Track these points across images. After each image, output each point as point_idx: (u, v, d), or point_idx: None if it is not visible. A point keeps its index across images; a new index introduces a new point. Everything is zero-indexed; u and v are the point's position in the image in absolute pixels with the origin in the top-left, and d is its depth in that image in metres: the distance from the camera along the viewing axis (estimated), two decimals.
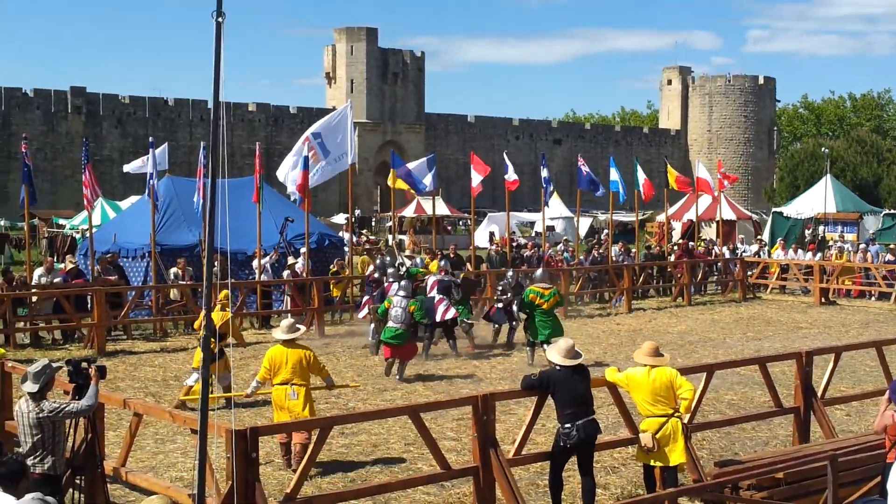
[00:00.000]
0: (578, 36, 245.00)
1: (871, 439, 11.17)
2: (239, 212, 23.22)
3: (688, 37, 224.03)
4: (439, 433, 12.74)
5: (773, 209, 49.10)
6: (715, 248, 36.06)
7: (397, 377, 17.75)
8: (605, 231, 43.49)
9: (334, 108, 73.01)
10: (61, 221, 51.37)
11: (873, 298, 30.81)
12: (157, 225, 24.35)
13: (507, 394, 11.47)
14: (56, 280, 23.26)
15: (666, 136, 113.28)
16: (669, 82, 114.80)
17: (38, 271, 23.70)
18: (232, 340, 15.88)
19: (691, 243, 35.12)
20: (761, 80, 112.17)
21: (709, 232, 43.45)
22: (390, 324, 17.99)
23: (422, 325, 19.12)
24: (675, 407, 10.21)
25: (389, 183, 27.87)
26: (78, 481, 9.64)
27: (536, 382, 10.33)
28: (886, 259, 32.25)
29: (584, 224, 57.42)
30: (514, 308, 20.86)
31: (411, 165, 29.08)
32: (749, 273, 32.46)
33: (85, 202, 24.40)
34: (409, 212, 56.42)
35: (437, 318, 19.67)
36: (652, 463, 10.34)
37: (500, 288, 21.85)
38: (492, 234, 46.53)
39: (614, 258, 31.25)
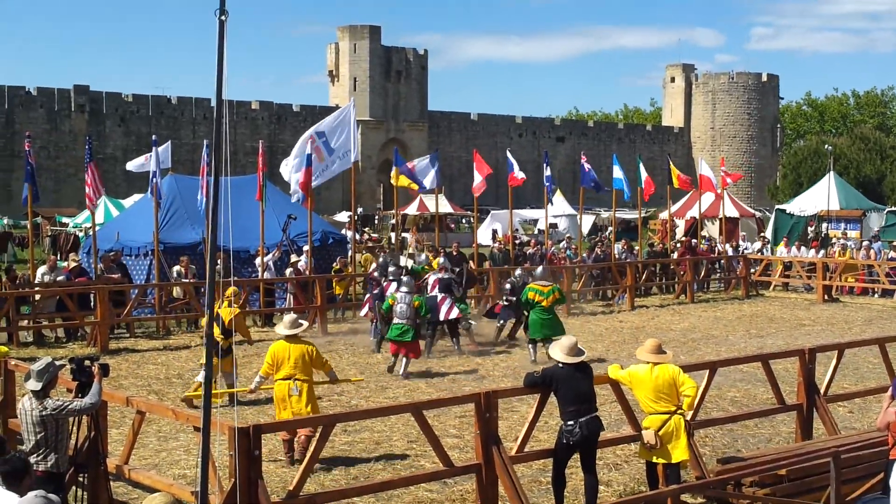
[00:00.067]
0: (581, 33, 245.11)
1: (874, 436, 11.17)
2: (242, 210, 23.24)
3: (691, 34, 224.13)
4: (442, 430, 12.75)
5: (777, 206, 49.08)
6: (718, 245, 36.03)
7: (401, 374, 17.76)
8: (610, 229, 43.47)
9: (337, 106, 73.12)
10: (64, 220, 51.49)
11: (876, 295, 30.78)
12: (160, 223, 24.36)
13: (509, 391, 11.47)
14: (59, 278, 23.28)
15: (669, 133, 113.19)
16: (673, 80, 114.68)
17: (42, 269, 23.72)
18: (238, 337, 15.91)
19: (694, 241, 35.10)
20: (765, 78, 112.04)
21: (712, 229, 43.42)
22: (396, 321, 18.03)
23: (424, 324, 19.14)
24: (678, 404, 10.21)
25: (392, 181, 27.87)
26: (81, 479, 9.65)
27: (539, 380, 10.33)
28: (890, 256, 32.21)
29: (587, 221, 57.47)
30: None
31: (414, 163, 29.06)
32: (752, 270, 32.42)
33: (88, 200, 24.42)
34: (412, 209, 56.44)
35: (441, 317, 19.73)
36: (655, 460, 10.34)
37: (507, 286, 21.81)
38: (495, 232, 46.55)
39: (617, 256, 31.24)
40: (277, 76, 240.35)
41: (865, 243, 34.54)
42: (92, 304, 22.17)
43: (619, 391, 11.03)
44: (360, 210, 60.19)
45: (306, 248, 25.55)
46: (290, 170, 25.08)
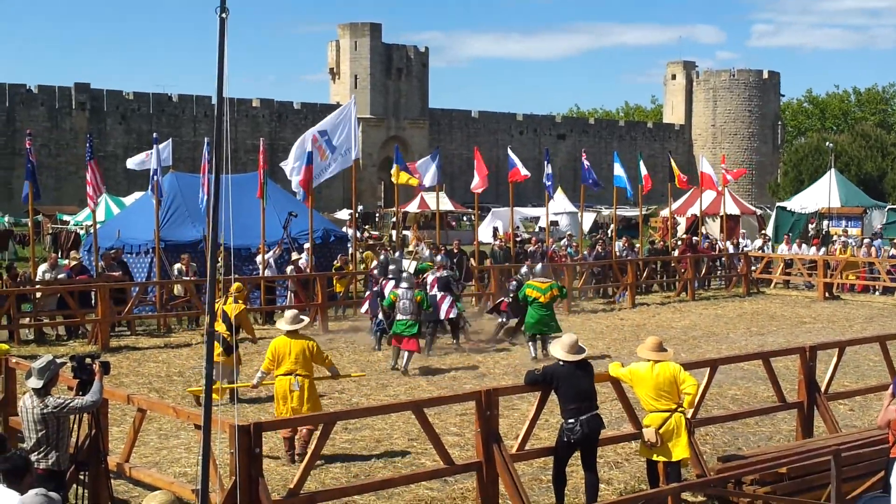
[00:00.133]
0: (582, 31, 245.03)
1: (875, 434, 11.16)
2: (242, 208, 23.24)
3: (692, 31, 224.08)
4: (442, 428, 12.74)
5: (777, 204, 49.10)
6: (718, 242, 36.02)
7: (402, 369, 17.84)
8: (611, 227, 43.45)
9: (338, 104, 73.05)
10: (65, 217, 51.44)
11: (877, 293, 30.77)
12: (160, 221, 24.36)
13: (510, 389, 11.47)
14: (60, 276, 23.29)
15: (670, 130, 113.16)
16: (673, 77, 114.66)
17: (42, 267, 23.73)
18: (243, 334, 15.93)
19: (695, 238, 35.09)
20: (765, 75, 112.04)
21: (713, 227, 43.41)
22: (399, 316, 18.14)
23: (425, 321, 19.17)
24: (679, 402, 10.21)
25: (393, 179, 27.87)
26: (82, 477, 9.65)
27: (540, 378, 10.34)
28: (891, 254, 32.20)
29: (588, 219, 57.46)
30: None
31: (415, 164, 29.10)
32: (753, 268, 32.42)
33: (89, 199, 24.42)
34: (412, 207, 56.42)
35: (441, 316, 19.79)
36: (655, 458, 10.34)
37: (513, 284, 21.80)
38: (495, 230, 46.54)
39: (618, 253, 31.22)
40: (278, 74, 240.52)
41: (866, 241, 34.53)
42: (93, 301, 22.17)
43: (620, 389, 11.03)
44: (360, 208, 60.14)
45: (307, 245, 25.55)
46: (292, 171, 25.08)
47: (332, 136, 25.08)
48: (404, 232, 42.87)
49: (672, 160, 37.04)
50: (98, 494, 9.68)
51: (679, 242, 35.52)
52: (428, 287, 20.23)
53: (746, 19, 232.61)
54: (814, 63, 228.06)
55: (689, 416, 10.47)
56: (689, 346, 20.95)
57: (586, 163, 31.55)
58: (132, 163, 27.23)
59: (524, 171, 29.81)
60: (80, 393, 9.24)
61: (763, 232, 41.28)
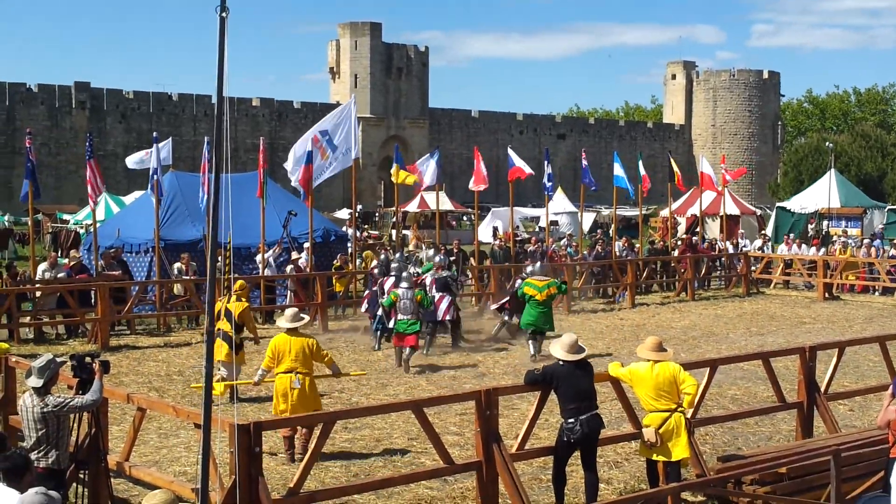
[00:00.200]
0: (582, 30, 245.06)
1: (875, 434, 11.16)
2: (242, 207, 23.24)
3: (692, 31, 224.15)
4: (442, 428, 12.74)
5: (777, 204, 49.11)
6: (718, 242, 36.02)
7: (403, 364, 18.04)
8: (612, 226, 43.44)
9: (338, 103, 72.99)
10: (65, 216, 51.46)
11: (877, 293, 30.76)
12: (160, 220, 24.36)
13: (510, 389, 11.46)
14: (60, 275, 23.28)
15: (670, 130, 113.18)
16: (674, 77, 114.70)
17: (42, 266, 23.72)
18: (246, 332, 15.93)
19: (695, 238, 35.09)
20: (765, 75, 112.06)
21: (713, 227, 43.42)
22: (401, 316, 18.25)
23: (424, 321, 19.20)
24: (679, 402, 10.21)
25: (393, 178, 27.86)
26: (82, 476, 9.66)
27: (539, 377, 10.34)
28: (890, 254, 32.20)
29: (588, 219, 57.45)
30: None
31: (416, 165, 29.11)
32: (753, 268, 32.42)
33: (90, 198, 24.41)
34: (412, 207, 56.40)
35: (439, 317, 19.82)
36: (655, 458, 10.34)
37: (519, 282, 21.81)
38: (495, 229, 46.55)
39: (618, 253, 31.22)
40: (278, 73, 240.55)
41: (866, 241, 34.53)
42: (93, 300, 22.16)
43: (620, 389, 11.03)
44: (360, 207, 60.14)
45: (307, 244, 25.55)
46: (293, 170, 25.08)
47: (333, 136, 25.08)
48: (404, 231, 42.87)
49: (672, 160, 37.01)
50: (98, 493, 9.69)
51: (679, 242, 35.50)
52: (427, 288, 20.25)
53: (746, 19, 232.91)
54: (814, 63, 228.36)
55: (688, 415, 10.47)
56: (689, 346, 20.95)
57: (585, 162, 31.55)
58: (131, 161, 27.23)
59: (527, 169, 29.80)
60: (80, 392, 9.24)
61: (763, 232, 41.28)
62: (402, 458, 12.31)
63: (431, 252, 23.92)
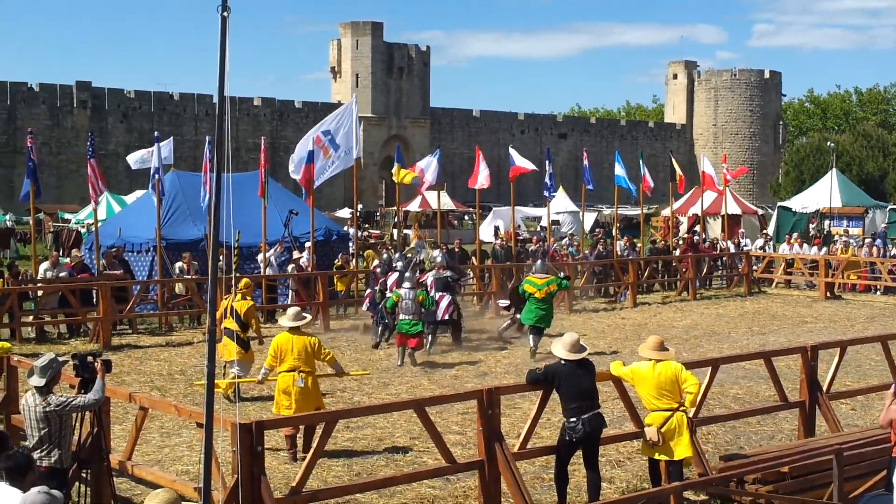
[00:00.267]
0: (584, 30, 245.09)
1: (877, 433, 11.16)
2: (244, 206, 23.23)
3: (693, 31, 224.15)
4: (444, 427, 12.74)
5: (779, 203, 49.09)
6: (720, 242, 36.01)
7: (408, 356, 18.23)
8: (613, 226, 43.43)
9: (339, 103, 72.95)
10: (67, 216, 51.48)
11: (879, 293, 30.74)
12: (162, 219, 24.37)
13: (512, 388, 11.46)
14: (61, 274, 23.28)
15: (671, 130, 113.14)
16: (675, 76, 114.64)
17: (44, 265, 23.72)
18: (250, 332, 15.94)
19: (696, 237, 35.08)
20: (767, 75, 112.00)
21: (714, 226, 43.42)
22: (402, 316, 18.40)
23: (425, 321, 19.23)
24: (681, 401, 10.21)
25: (394, 177, 27.86)
26: (84, 475, 9.66)
27: (541, 377, 10.34)
28: (892, 254, 32.18)
29: (589, 219, 57.43)
30: None
31: (419, 164, 29.11)
32: (754, 267, 32.41)
33: (91, 197, 24.41)
34: (414, 206, 56.38)
35: (439, 317, 19.85)
36: (657, 457, 10.33)
37: None
38: (497, 229, 46.53)
39: (619, 253, 31.21)
40: (280, 73, 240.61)
41: (868, 240, 34.51)
42: (94, 300, 22.18)
43: (622, 388, 11.03)
44: (361, 206, 60.12)
45: (308, 244, 25.55)
46: (295, 170, 25.08)
47: (336, 136, 25.10)
48: (405, 231, 42.86)
49: (673, 159, 36.99)
50: (100, 492, 9.69)
51: (680, 242, 35.50)
52: (427, 287, 20.28)
53: (747, 19, 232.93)
54: (815, 63, 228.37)
55: (690, 415, 10.47)
56: (691, 346, 20.95)
57: (587, 163, 31.56)
58: (132, 159, 27.23)
59: (530, 165, 29.76)
60: (83, 391, 9.25)
61: (764, 231, 41.26)
62: (404, 457, 12.31)
63: (436, 252, 23.87)
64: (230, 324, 15.02)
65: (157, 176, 23.86)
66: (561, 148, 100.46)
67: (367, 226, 58.44)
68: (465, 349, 20.20)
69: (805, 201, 43.73)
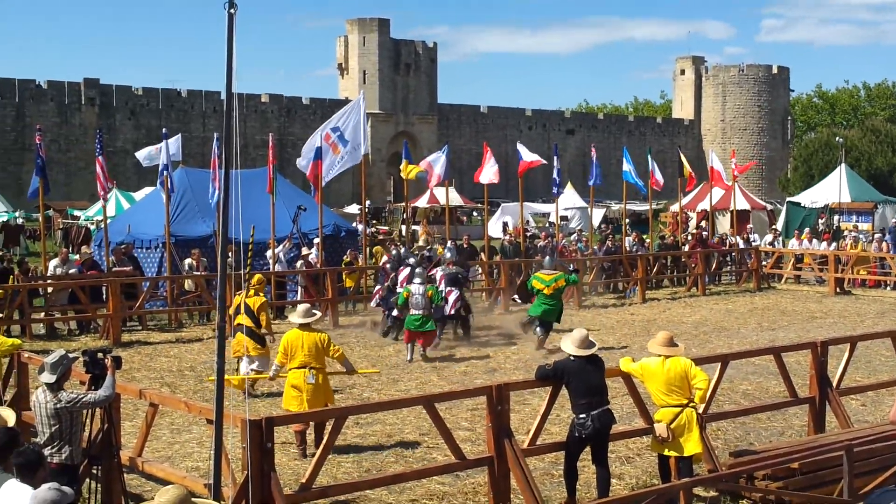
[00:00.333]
0: (591, 25, 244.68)
1: (888, 429, 11.15)
2: (252, 202, 23.24)
3: (701, 26, 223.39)
4: (454, 423, 12.75)
5: (788, 199, 49.00)
6: (729, 237, 35.95)
7: (420, 356, 18.36)
8: (622, 221, 43.37)
9: (347, 99, 73.02)
10: (76, 213, 51.60)
11: (889, 288, 30.67)
12: (171, 216, 24.40)
13: (521, 384, 11.45)
14: (71, 271, 23.35)
15: (679, 126, 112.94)
16: (683, 72, 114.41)
17: (54, 262, 23.78)
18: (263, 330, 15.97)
19: (705, 233, 35.04)
20: (775, 70, 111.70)
21: (723, 222, 43.35)
22: (412, 311, 18.53)
23: (434, 317, 19.28)
24: (690, 397, 10.19)
25: (402, 174, 27.87)
26: (94, 471, 9.68)
27: (550, 373, 10.33)
28: None
29: (598, 214, 57.40)
30: None
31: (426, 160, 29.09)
32: (763, 263, 32.35)
33: (100, 193, 24.47)
34: (422, 202, 56.34)
35: (447, 312, 19.91)
36: (667, 453, 10.32)
37: None
38: (505, 225, 46.50)
39: (628, 248, 31.19)
40: (287, 69, 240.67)
41: (878, 235, 34.44)
42: (104, 296, 22.23)
43: (631, 384, 11.02)
44: (369, 203, 60.15)
45: (317, 240, 25.57)
46: (304, 167, 25.09)
47: (345, 132, 25.13)
48: (414, 227, 42.87)
49: (682, 155, 36.92)
50: (111, 489, 9.71)
51: (689, 237, 35.45)
52: (436, 282, 20.34)
53: (756, 14, 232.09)
54: (823, 58, 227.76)
55: (700, 411, 10.45)
56: (700, 342, 20.92)
57: (595, 159, 31.51)
58: (141, 155, 27.26)
59: (538, 158, 29.73)
60: (93, 388, 9.26)
61: (774, 227, 41.19)
62: (413, 454, 12.32)
63: (448, 254, 23.85)
64: (243, 320, 15.09)
65: (165, 173, 23.91)
66: (569, 144, 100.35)
67: (375, 222, 58.44)
68: (475, 345, 20.22)
69: (814, 196, 43.67)
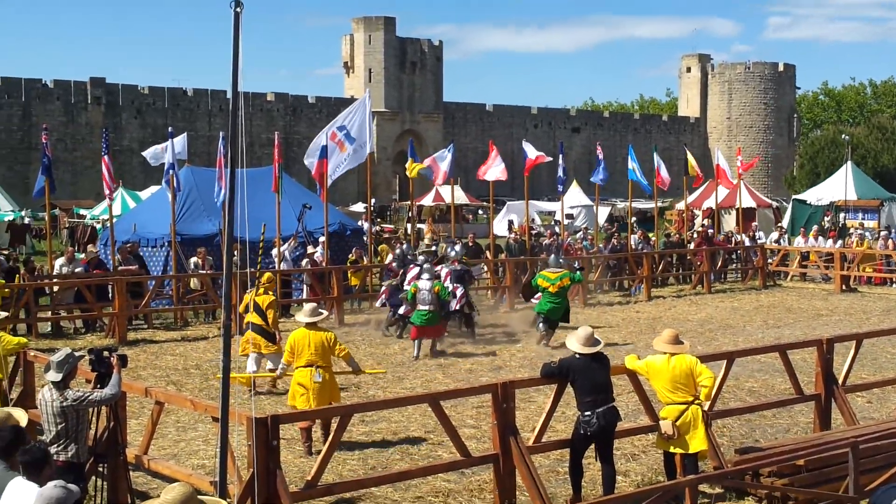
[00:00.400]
0: (597, 23, 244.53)
1: (893, 426, 11.15)
2: (258, 201, 23.26)
3: (707, 24, 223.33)
4: (459, 421, 12.75)
5: (794, 196, 48.91)
6: (734, 235, 35.92)
7: (430, 352, 18.52)
8: (628, 219, 43.35)
9: (352, 98, 73.04)
10: (82, 211, 51.64)
11: (894, 285, 30.64)
12: (176, 214, 24.43)
13: (526, 381, 11.47)
14: (77, 270, 23.38)
15: (685, 123, 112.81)
16: (688, 70, 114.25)
17: (60, 261, 23.83)
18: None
19: (710, 230, 35.01)
20: (781, 67, 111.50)
21: (728, 220, 43.31)
22: (419, 307, 18.73)
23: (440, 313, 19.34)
24: (696, 394, 10.20)
25: (408, 172, 27.87)
26: (101, 469, 9.70)
27: (556, 370, 10.34)
28: None
29: (604, 212, 57.33)
30: None
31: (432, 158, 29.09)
32: (769, 261, 32.32)
33: (106, 193, 24.50)
34: (427, 201, 56.31)
35: (452, 308, 19.94)
36: (672, 450, 10.33)
37: None
38: (510, 223, 46.44)
39: (634, 246, 31.16)
40: (293, 68, 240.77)
41: (883, 233, 34.39)
42: (110, 295, 22.26)
43: (637, 381, 11.02)
44: (374, 201, 60.14)
45: (322, 239, 25.59)
46: (310, 165, 25.11)
47: (351, 130, 25.16)
48: (419, 225, 42.86)
49: (689, 153, 36.88)
50: (117, 486, 9.73)
51: (695, 235, 35.43)
52: (442, 279, 20.38)
53: (762, 12, 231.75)
54: (830, 55, 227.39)
55: (705, 408, 10.45)
56: (706, 339, 20.91)
57: (601, 157, 31.51)
58: (148, 154, 27.30)
59: (541, 154, 29.70)
60: (99, 386, 9.28)
61: (779, 224, 41.13)
62: (419, 451, 12.33)
63: (459, 248, 23.83)
64: (254, 318, 15.14)
65: (171, 171, 23.93)
66: (574, 142, 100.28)
67: (380, 220, 58.45)
68: (480, 343, 20.23)
69: (820, 194, 43.56)
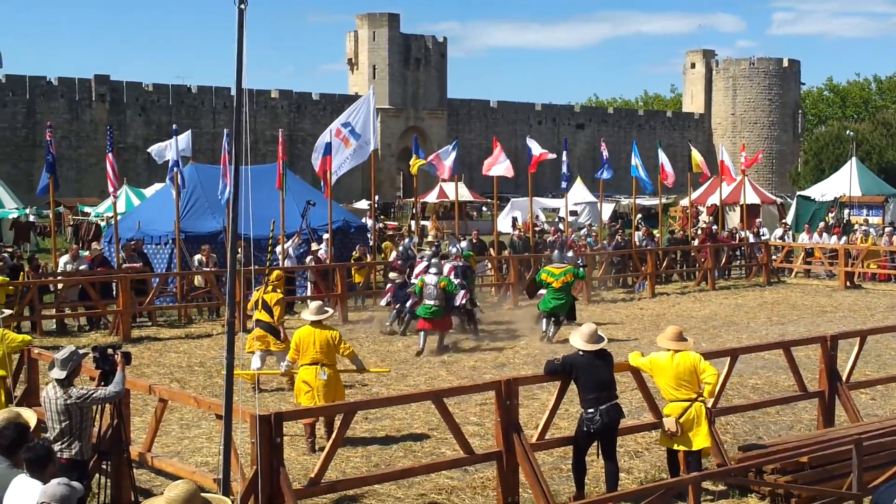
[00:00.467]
0: (601, 19, 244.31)
1: None
2: (262, 198, 23.27)
3: (712, 20, 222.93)
4: (462, 418, 12.76)
5: (798, 193, 48.86)
6: (738, 231, 35.89)
7: (436, 348, 18.63)
8: (632, 216, 43.31)
9: (357, 95, 73.03)
10: (86, 209, 51.74)
11: None
12: (181, 212, 24.44)
13: (530, 379, 11.46)
14: (81, 267, 23.42)
15: (689, 120, 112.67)
16: (693, 66, 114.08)
17: (64, 259, 23.86)
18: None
19: (714, 227, 34.98)
20: (786, 63, 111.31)
21: (732, 216, 43.27)
22: (426, 301, 18.92)
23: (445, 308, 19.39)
24: (699, 391, 10.20)
25: (412, 169, 27.87)
26: (104, 466, 9.72)
27: (559, 367, 10.34)
28: None
29: (608, 209, 57.35)
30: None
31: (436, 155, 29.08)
32: (773, 257, 32.28)
33: (110, 190, 24.52)
34: (431, 197, 56.37)
35: (456, 303, 19.98)
36: (675, 447, 10.33)
37: None
38: (515, 220, 46.49)
39: (638, 243, 31.16)
40: (297, 65, 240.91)
41: (888, 229, 34.34)
42: (114, 292, 22.28)
43: (640, 378, 11.02)
44: (378, 198, 60.18)
45: (326, 236, 25.60)
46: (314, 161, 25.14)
47: (356, 127, 25.16)
48: (423, 222, 42.91)
49: (693, 149, 36.83)
50: (120, 484, 9.75)
51: (699, 232, 35.39)
52: (446, 274, 20.42)
53: (766, 7, 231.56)
54: (834, 51, 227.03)
55: (709, 405, 10.45)
56: (710, 336, 20.90)
57: (606, 153, 31.47)
58: (154, 150, 27.31)
59: (545, 151, 29.69)
60: (103, 383, 9.30)
61: (784, 221, 41.09)
62: (422, 448, 12.34)
63: (465, 244, 23.78)
64: (262, 315, 15.17)
65: (175, 169, 23.95)
66: (578, 138, 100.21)
67: (384, 217, 58.48)
68: (483, 340, 20.24)
69: (824, 190, 43.53)
